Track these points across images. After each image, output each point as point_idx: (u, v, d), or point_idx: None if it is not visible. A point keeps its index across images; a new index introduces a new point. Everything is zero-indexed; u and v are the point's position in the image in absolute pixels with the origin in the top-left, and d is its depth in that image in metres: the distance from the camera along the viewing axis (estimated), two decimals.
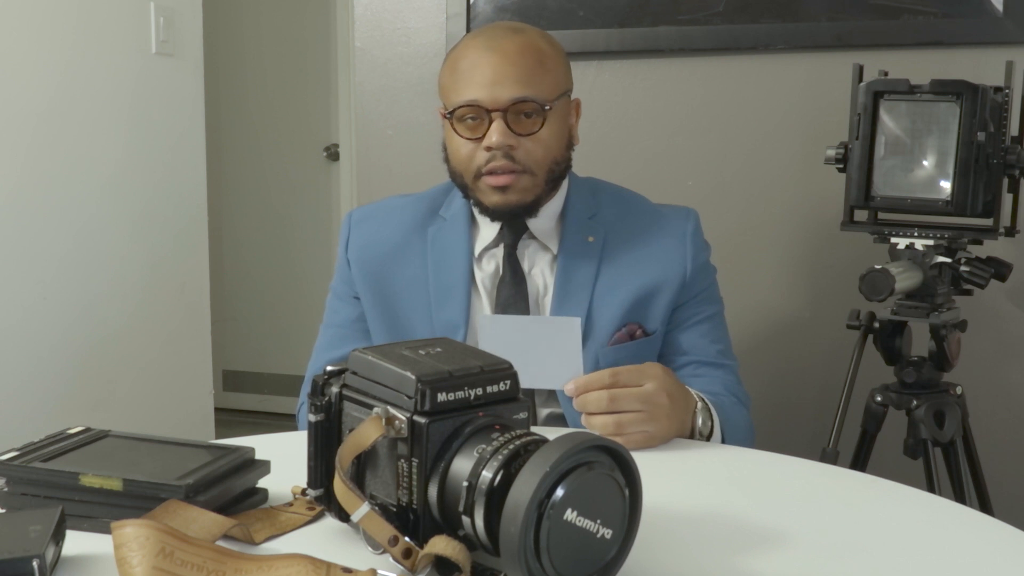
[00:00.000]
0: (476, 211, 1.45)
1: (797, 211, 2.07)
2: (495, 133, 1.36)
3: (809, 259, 2.07)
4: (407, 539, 0.75)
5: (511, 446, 0.74)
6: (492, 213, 1.42)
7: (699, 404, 1.26)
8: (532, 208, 1.42)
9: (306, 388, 1.48)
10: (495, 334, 1.18)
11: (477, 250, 1.46)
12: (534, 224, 1.44)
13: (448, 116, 1.40)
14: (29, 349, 2.53)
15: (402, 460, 0.77)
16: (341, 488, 0.76)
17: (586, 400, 1.16)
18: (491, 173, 1.38)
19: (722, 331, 1.49)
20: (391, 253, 1.49)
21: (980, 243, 1.65)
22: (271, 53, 4.14)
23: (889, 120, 1.61)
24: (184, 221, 3.02)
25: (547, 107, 1.37)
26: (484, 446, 0.74)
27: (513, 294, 1.42)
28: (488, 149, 1.37)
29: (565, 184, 1.48)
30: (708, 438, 1.26)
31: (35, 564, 0.73)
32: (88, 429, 0.99)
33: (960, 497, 1.66)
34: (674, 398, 1.19)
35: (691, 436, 1.24)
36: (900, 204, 1.62)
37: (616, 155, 2.14)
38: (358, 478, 0.81)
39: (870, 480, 1.09)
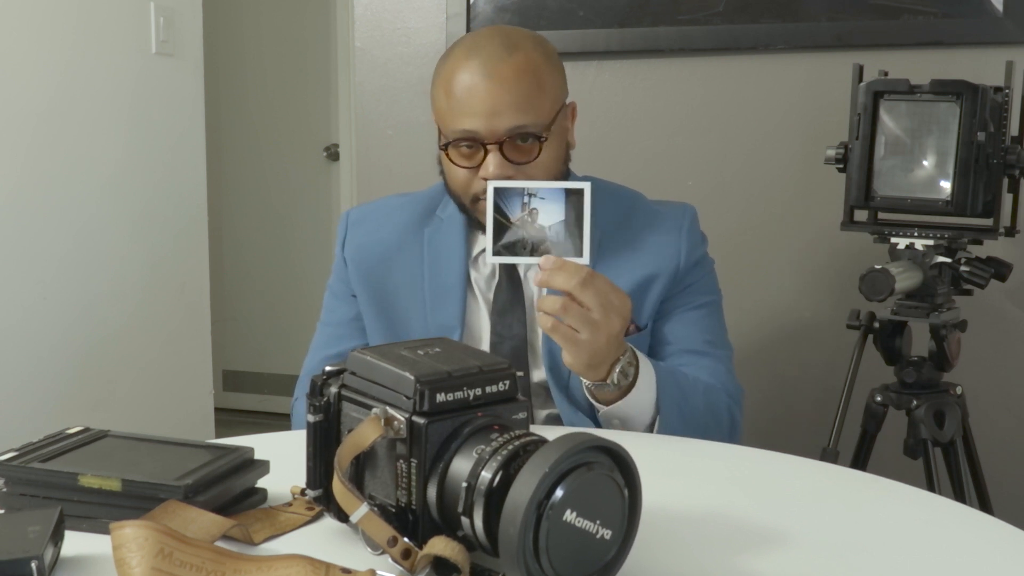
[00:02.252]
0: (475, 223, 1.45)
1: (797, 211, 2.06)
2: (492, 165, 1.33)
3: (809, 259, 2.07)
4: (406, 540, 0.75)
5: (510, 447, 0.73)
6: (477, 227, 1.42)
7: (624, 360, 1.23)
8: None
9: (301, 384, 1.48)
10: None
11: (474, 252, 1.46)
12: None
13: (443, 148, 1.38)
14: (29, 349, 2.53)
15: (401, 461, 0.77)
16: (340, 489, 0.76)
17: (543, 300, 1.18)
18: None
19: (713, 321, 1.47)
20: (388, 253, 1.48)
21: (980, 243, 1.65)
22: (271, 53, 4.14)
23: (889, 120, 1.61)
24: (184, 221, 3.02)
25: (543, 138, 1.35)
26: (483, 447, 0.74)
27: (510, 298, 1.42)
28: (485, 179, 1.34)
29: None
30: (626, 392, 1.25)
31: (33, 565, 0.73)
32: (87, 429, 0.99)
33: (960, 497, 1.66)
34: (610, 342, 1.19)
35: (604, 379, 1.23)
36: (900, 204, 1.61)
37: (616, 155, 2.14)
38: (357, 479, 0.81)
39: (870, 479, 1.09)
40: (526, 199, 1.19)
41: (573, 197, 1.18)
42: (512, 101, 1.32)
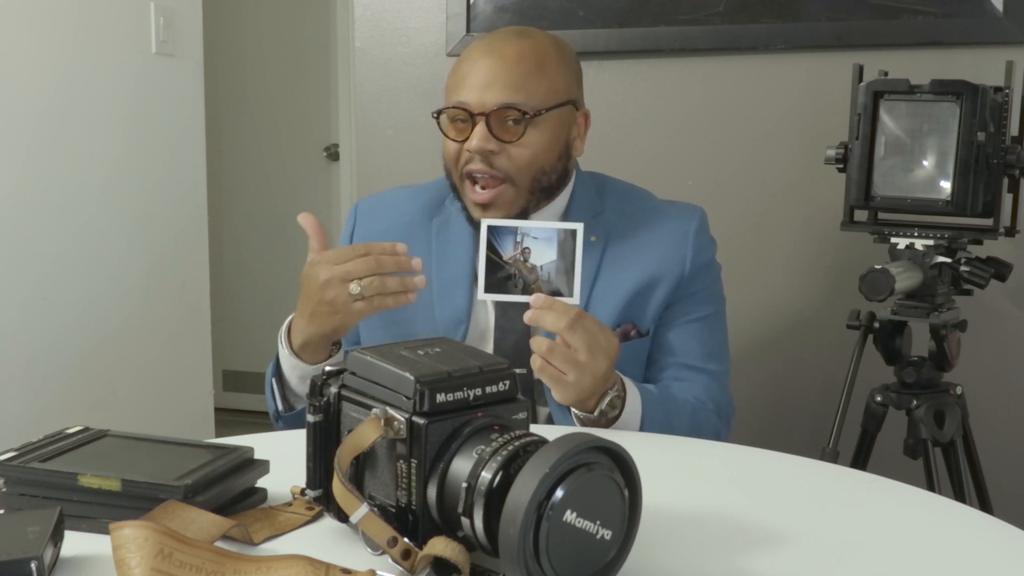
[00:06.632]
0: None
1: (797, 211, 2.06)
2: (475, 137, 1.36)
3: (809, 259, 2.07)
4: (406, 540, 0.75)
5: (510, 447, 0.73)
6: (477, 225, 1.42)
7: (612, 394, 1.24)
8: (520, 218, 1.41)
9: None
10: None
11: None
12: None
13: (435, 116, 1.41)
14: (29, 349, 2.53)
15: (401, 461, 0.77)
16: (340, 489, 0.76)
17: (533, 340, 1.18)
18: (471, 178, 1.38)
19: (714, 332, 1.47)
20: None
21: (980, 243, 1.65)
22: (271, 53, 4.14)
23: (889, 120, 1.61)
24: (184, 221, 3.01)
25: (528, 114, 1.36)
26: (483, 447, 0.74)
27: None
28: (469, 151, 1.37)
29: (570, 181, 1.47)
30: (612, 422, 1.25)
31: (33, 566, 0.73)
32: (86, 429, 0.99)
33: (960, 497, 1.66)
34: (596, 381, 1.19)
35: (591, 412, 1.24)
36: (900, 204, 1.61)
37: (616, 155, 2.14)
38: (357, 479, 0.81)
39: (870, 479, 1.09)
40: (519, 238, 1.21)
41: (566, 237, 1.20)
42: (506, 79, 1.36)
